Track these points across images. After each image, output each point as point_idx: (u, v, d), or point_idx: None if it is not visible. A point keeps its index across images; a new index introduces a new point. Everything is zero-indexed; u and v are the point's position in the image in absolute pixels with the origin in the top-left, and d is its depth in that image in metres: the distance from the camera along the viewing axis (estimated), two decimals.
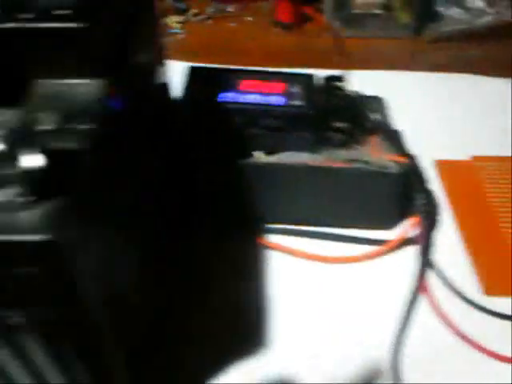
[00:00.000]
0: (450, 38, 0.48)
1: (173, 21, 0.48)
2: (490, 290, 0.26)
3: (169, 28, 0.47)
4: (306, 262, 0.28)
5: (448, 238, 0.29)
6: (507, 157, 0.34)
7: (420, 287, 0.26)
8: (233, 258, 0.27)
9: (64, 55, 0.17)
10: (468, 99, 0.40)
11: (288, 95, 0.28)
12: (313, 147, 0.28)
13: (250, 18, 0.50)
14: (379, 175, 0.27)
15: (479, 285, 0.27)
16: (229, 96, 0.28)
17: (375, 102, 0.32)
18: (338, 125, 0.28)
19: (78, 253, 0.15)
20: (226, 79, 0.29)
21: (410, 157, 0.28)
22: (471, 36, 0.48)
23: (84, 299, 0.15)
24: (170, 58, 0.43)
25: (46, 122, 0.16)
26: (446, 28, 0.47)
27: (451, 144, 0.35)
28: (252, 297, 0.26)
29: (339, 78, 0.30)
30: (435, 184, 0.32)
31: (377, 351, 0.24)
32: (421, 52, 0.47)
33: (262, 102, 0.28)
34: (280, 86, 0.29)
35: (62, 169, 0.14)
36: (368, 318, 0.25)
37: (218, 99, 0.28)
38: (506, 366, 0.24)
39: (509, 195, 0.31)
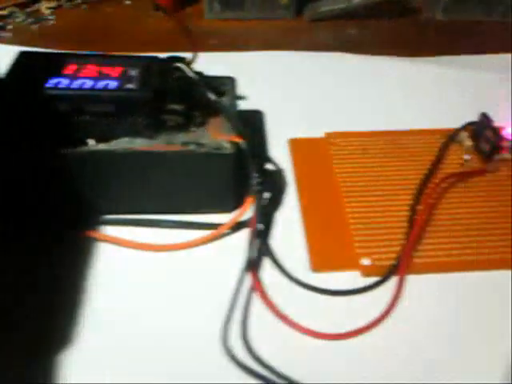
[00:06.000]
0: (329, 18, 0.48)
1: (45, 7, 0.46)
2: (316, 266, 0.27)
3: (40, 14, 0.46)
4: (135, 252, 0.27)
5: (289, 218, 0.29)
6: (358, 132, 0.34)
7: (249, 270, 0.26)
8: (57, 253, 0.27)
9: None
10: (337, 77, 0.41)
11: (123, 79, 0.28)
12: (149, 132, 0.27)
13: (128, 2, 0.49)
14: (212, 156, 0.27)
15: (309, 262, 0.27)
16: (58, 82, 0.27)
17: (225, 83, 0.32)
18: (174, 107, 0.28)
19: None
20: (58, 65, 0.28)
21: (246, 136, 0.28)
22: (350, 15, 0.48)
23: None
24: (40, 46, 0.42)
25: None
26: (325, 8, 0.48)
27: (310, 122, 0.36)
28: (72, 291, 0.25)
29: (181, 59, 0.30)
30: (286, 163, 0.32)
31: (207, 338, 0.24)
32: (301, 32, 0.47)
33: (93, 88, 0.27)
34: (117, 71, 0.28)
35: None
36: (198, 305, 0.25)
37: (46, 85, 0.27)
38: (325, 343, 0.24)
39: (355, 170, 0.32)
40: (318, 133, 0.35)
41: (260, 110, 0.37)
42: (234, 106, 0.30)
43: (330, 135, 0.34)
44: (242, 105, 0.37)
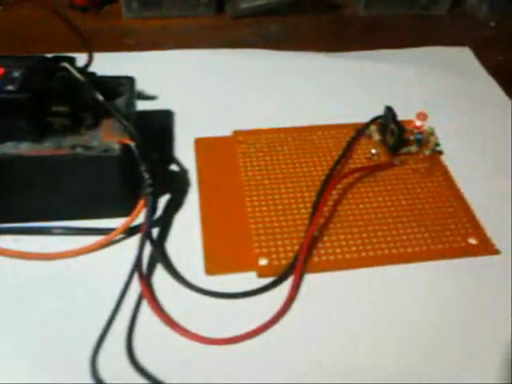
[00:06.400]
0: (250, 15, 0.47)
1: None
2: (210, 270, 0.26)
3: None
4: (24, 262, 0.26)
5: (189, 220, 0.28)
6: (267, 129, 0.34)
7: (138, 276, 0.25)
8: None
9: None
10: (253, 74, 0.40)
11: (4, 80, 0.26)
12: (33, 136, 0.26)
13: (43, 3, 0.47)
14: (100, 159, 0.26)
15: (204, 266, 0.26)
16: None
17: (123, 83, 0.31)
18: (58, 109, 0.26)
19: None
20: None
21: (136, 137, 0.27)
22: (272, 12, 0.48)
23: None
24: None
25: None
26: (246, 4, 0.47)
27: (222, 121, 0.35)
28: None
29: (69, 59, 0.28)
30: (191, 164, 0.32)
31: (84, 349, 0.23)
32: (222, 29, 0.47)
33: None
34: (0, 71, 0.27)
35: None
36: (80, 314, 0.24)
37: None
38: (217, 348, 0.23)
39: (261, 169, 0.31)
40: (229, 131, 0.34)
41: (171, 110, 0.36)
42: (131, 106, 0.29)
43: (237, 133, 0.33)
44: (153, 105, 0.36)
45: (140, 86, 0.37)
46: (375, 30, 0.47)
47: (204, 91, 0.38)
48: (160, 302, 0.25)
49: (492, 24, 0.47)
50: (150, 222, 0.26)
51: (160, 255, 0.26)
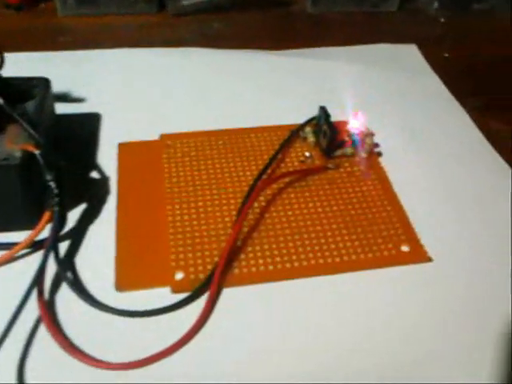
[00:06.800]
0: (193, 12, 0.45)
1: None
2: (121, 286, 0.24)
3: None
4: None
5: (104, 232, 0.26)
6: (196, 132, 0.32)
7: (38, 294, 0.23)
8: None
9: None
10: (191, 74, 0.38)
11: None
12: None
13: None
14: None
15: (114, 282, 0.24)
16: None
17: (37, 85, 0.29)
18: None
19: None
20: None
21: (41, 144, 0.25)
22: (215, 8, 0.46)
23: None
24: None
25: None
26: (188, 1, 0.45)
27: (152, 124, 0.33)
28: None
29: None
30: (113, 170, 0.30)
31: None
32: (163, 27, 0.45)
33: None
34: None
35: None
36: None
37: None
38: (126, 374, 0.21)
39: (186, 175, 0.29)
40: (159, 135, 0.32)
41: (98, 113, 0.34)
42: (44, 109, 0.27)
43: (165, 137, 0.31)
44: (80, 107, 0.34)
45: (69, 87, 0.36)
46: (324, 27, 0.46)
47: (137, 92, 0.36)
48: (63, 323, 0.23)
49: (442, 20, 0.46)
50: (56, 236, 0.24)
51: (64, 271, 0.24)
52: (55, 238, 0.24)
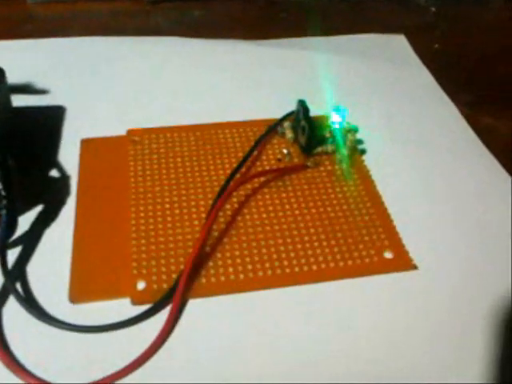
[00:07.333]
0: None
1: None
2: (75, 298, 0.22)
3: None
4: None
5: (61, 237, 0.24)
6: (166, 127, 0.29)
7: None
8: None
9: None
10: (166, 65, 0.36)
11: None
12: None
13: None
14: None
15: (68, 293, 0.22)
16: None
17: None
18: None
19: None
20: None
21: None
22: None
23: None
24: None
25: None
26: None
27: (120, 118, 0.31)
28: None
29: None
30: (74, 169, 0.27)
31: None
32: (139, 15, 0.42)
33: None
34: None
35: None
36: None
37: None
38: None
39: (153, 174, 0.27)
40: (126, 130, 0.30)
41: (63, 106, 0.32)
42: None
43: (132, 132, 0.29)
44: (43, 99, 0.32)
45: (30, 77, 0.33)
46: (309, 16, 0.44)
47: (104, 84, 0.33)
48: (8, 338, 0.20)
49: (433, 9, 0.44)
50: (4, 242, 0.22)
51: (12, 282, 0.22)
52: (3, 245, 0.22)
